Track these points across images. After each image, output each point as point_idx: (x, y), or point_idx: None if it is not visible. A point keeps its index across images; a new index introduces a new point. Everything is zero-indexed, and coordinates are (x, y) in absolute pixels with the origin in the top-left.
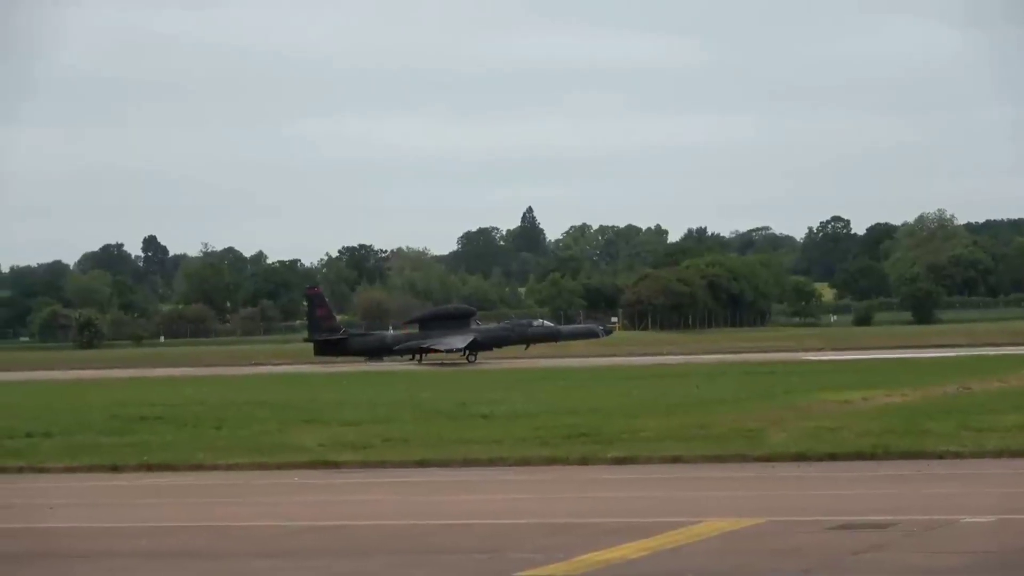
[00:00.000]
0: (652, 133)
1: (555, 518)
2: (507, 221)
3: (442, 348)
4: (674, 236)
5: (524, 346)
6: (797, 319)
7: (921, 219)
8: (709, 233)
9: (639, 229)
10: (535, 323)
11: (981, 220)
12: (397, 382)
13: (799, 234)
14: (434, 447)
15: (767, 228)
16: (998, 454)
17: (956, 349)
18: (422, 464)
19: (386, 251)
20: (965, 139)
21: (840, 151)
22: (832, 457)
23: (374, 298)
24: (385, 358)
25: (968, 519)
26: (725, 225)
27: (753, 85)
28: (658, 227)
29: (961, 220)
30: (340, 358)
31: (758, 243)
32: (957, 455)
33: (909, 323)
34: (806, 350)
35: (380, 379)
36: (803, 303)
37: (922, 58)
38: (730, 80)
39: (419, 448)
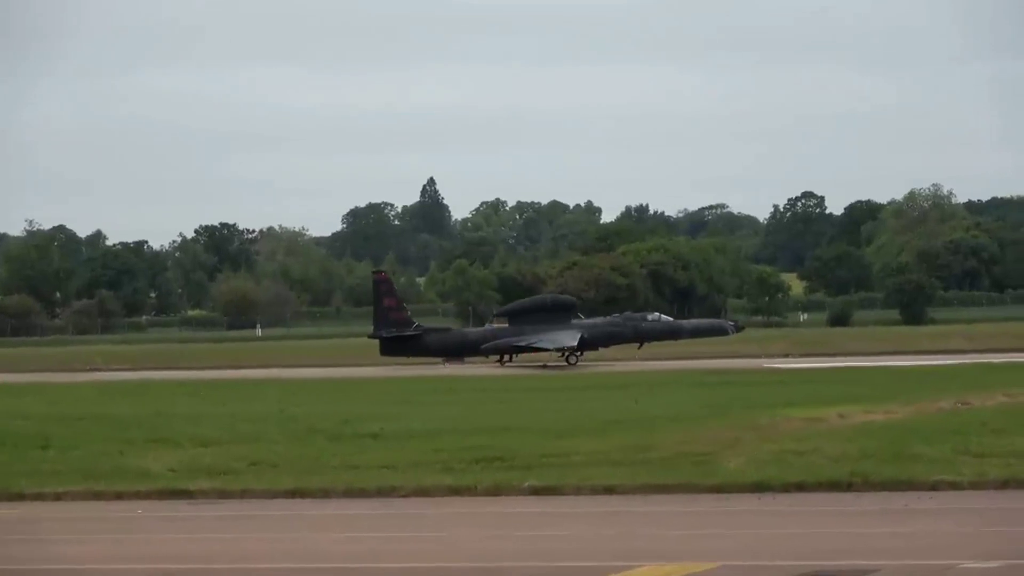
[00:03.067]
0: (581, 89)
1: (455, 562)
2: (403, 196)
3: (550, 347)
4: (608, 216)
5: (637, 345)
6: (759, 317)
7: (911, 196)
8: (651, 212)
9: (565, 207)
10: (650, 317)
11: (985, 198)
12: (267, 392)
13: (762, 214)
14: (310, 473)
15: (723, 206)
16: (1002, 484)
17: (953, 355)
18: (294, 494)
19: (254, 231)
20: (962, 101)
21: (811, 114)
22: (800, 488)
23: (238, 288)
24: (466, 359)
25: (967, 564)
26: (671, 203)
27: (705, 32)
28: (589, 205)
29: (960, 198)
30: (412, 359)
31: (712, 224)
32: (953, 485)
33: (896, 323)
34: (770, 356)
35: (246, 388)
36: (767, 298)
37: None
38: (677, 25)
39: (291, 475)
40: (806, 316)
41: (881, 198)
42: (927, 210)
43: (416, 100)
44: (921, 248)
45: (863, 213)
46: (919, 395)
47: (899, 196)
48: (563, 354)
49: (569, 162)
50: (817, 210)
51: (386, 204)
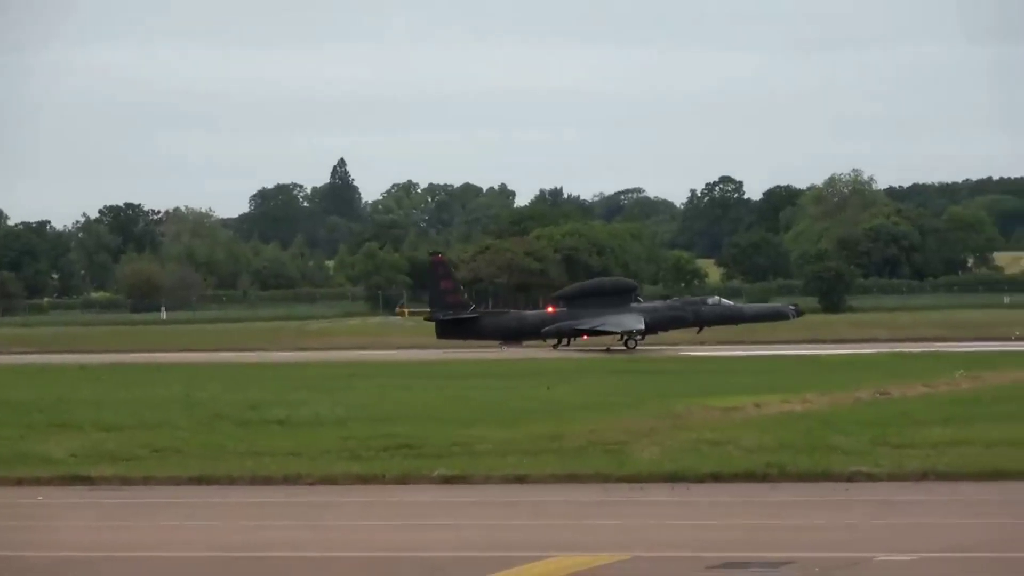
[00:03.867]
0: (496, 70)
1: (361, 552)
2: (313, 177)
3: (616, 330)
4: (522, 199)
5: (696, 329)
6: None
7: (831, 182)
8: (566, 196)
9: (479, 189)
10: (710, 301)
11: (906, 184)
12: (172, 377)
13: (679, 198)
14: (215, 460)
15: (639, 190)
16: (921, 476)
17: (873, 344)
18: (199, 481)
19: (159, 212)
20: (885, 84)
21: (729, 94)
22: (715, 478)
23: (142, 271)
24: (524, 342)
25: (883, 557)
26: (586, 186)
27: (623, 10)
28: (503, 187)
29: (881, 184)
30: (468, 341)
31: (627, 209)
32: (870, 477)
33: (814, 311)
34: (686, 344)
35: (151, 373)
36: (683, 284)
37: None
38: (599, 2)
39: (196, 461)
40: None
41: (801, 183)
42: (847, 196)
43: (328, 80)
44: (841, 235)
45: (782, 199)
46: (837, 385)
47: (819, 182)
48: (622, 338)
49: (483, 144)
50: (735, 195)
51: (295, 185)
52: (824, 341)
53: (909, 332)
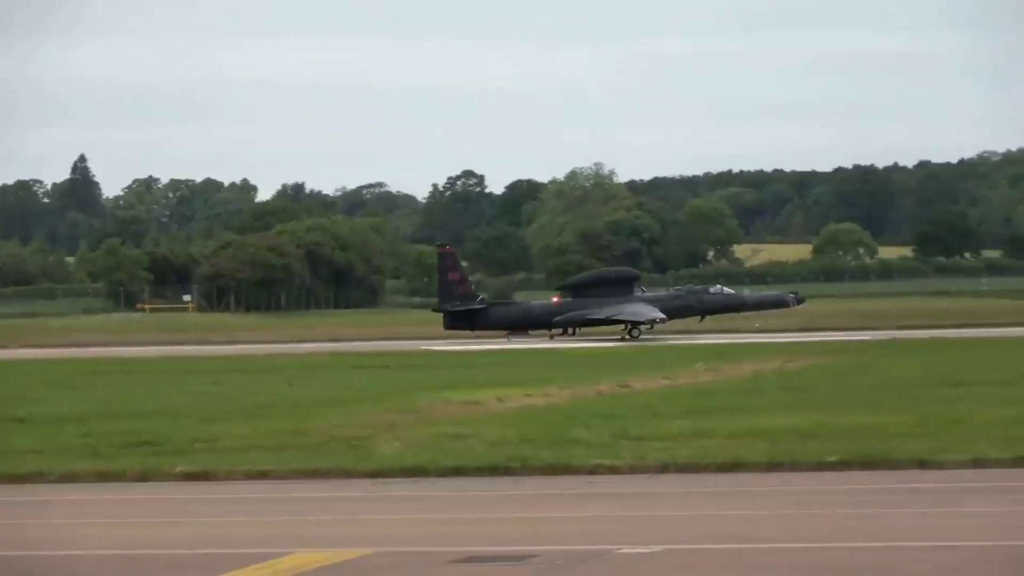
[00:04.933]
0: (233, 61)
1: (100, 550)
2: (53, 173)
3: (631, 319)
4: (264, 194)
5: (699, 318)
6: (418, 299)
7: (573, 175)
8: (308, 191)
9: (220, 185)
10: (712, 290)
11: (647, 177)
12: None
13: (421, 193)
14: None
15: (381, 185)
16: (662, 468)
17: (613, 339)
18: None
19: None
20: (622, 76)
21: (469, 89)
22: (457, 472)
23: None
24: (531, 332)
25: (626, 549)
26: (328, 181)
27: (370, 3)
28: (244, 182)
29: (622, 177)
30: (476, 332)
31: (370, 204)
32: (612, 469)
33: None
34: (428, 338)
35: None
36: (425, 279)
37: None
38: None
39: None
40: None
41: (543, 177)
42: (589, 190)
43: (67, 73)
44: (582, 228)
45: (524, 192)
46: (579, 378)
47: (561, 175)
48: (627, 327)
49: (224, 138)
50: (477, 189)
51: (35, 181)
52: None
53: None
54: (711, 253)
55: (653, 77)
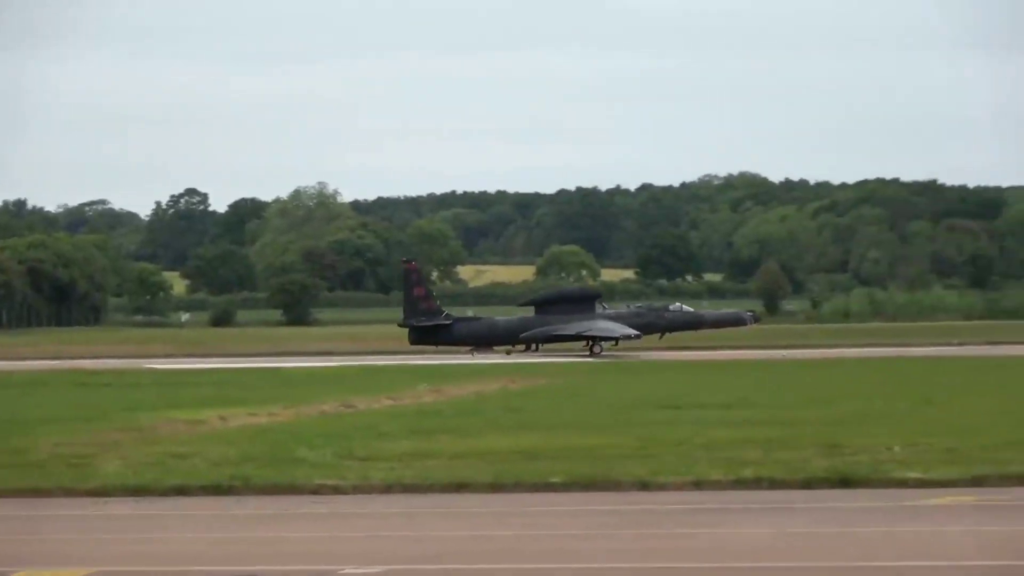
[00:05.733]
0: None
1: None
2: None
3: (603, 335)
4: None
5: (659, 335)
6: (140, 316)
7: (297, 195)
8: (30, 207)
9: None
10: (672, 307)
11: (371, 197)
12: None
13: (144, 210)
14: None
15: (104, 202)
16: (387, 488)
17: (339, 357)
18: None
19: None
20: (347, 94)
21: (186, 101)
22: (180, 491)
23: None
24: (495, 348)
25: (348, 570)
26: (50, 198)
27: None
28: None
29: (347, 197)
30: (441, 347)
31: (92, 221)
32: (336, 489)
33: (280, 324)
34: (151, 356)
35: None
36: (148, 297)
37: None
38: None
39: None
40: (188, 316)
41: (267, 196)
42: (312, 209)
43: None
44: (306, 248)
45: (248, 211)
46: (303, 397)
47: (285, 194)
48: (588, 344)
49: None
50: (200, 207)
51: None
52: (290, 353)
53: (374, 345)
54: (435, 274)
55: (378, 97)
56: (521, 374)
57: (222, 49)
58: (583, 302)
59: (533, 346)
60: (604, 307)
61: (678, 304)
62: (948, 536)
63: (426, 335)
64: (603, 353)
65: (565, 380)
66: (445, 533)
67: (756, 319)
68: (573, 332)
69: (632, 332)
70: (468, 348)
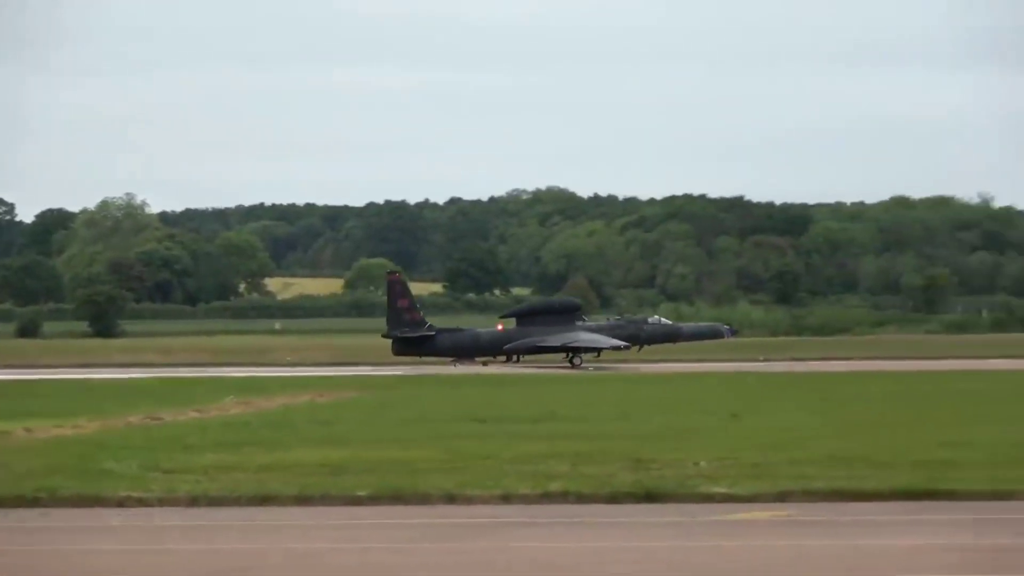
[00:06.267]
0: None
1: None
2: None
3: (589, 346)
4: None
5: (636, 348)
6: None
7: (104, 205)
8: None
9: None
10: (651, 320)
11: (179, 209)
12: None
13: None
14: None
15: None
16: (192, 501)
17: (145, 369)
18: None
19: None
20: (160, 107)
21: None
22: None
23: None
24: (477, 359)
25: None
26: None
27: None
28: None
29: (155, 208)
30: (424, 358)
31: None
32: (142, 502)
33: (86, 335)
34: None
35: None
36: None
37: None
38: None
39: None
40: None
41: (74, 207)
42: (120, 220)
43: None
44: (113, 259)
45: (55, 221)
46: (109, 410)
47: (92, 205)
48: (568, 356)
49: None
50: (7, 217)
51: None
52: (96, 365)
53: (181, 357)
54: (243, 285)
55: (186, 108)
56: (330, 387)
57: (29, 57)
58: (564, 314)
59: (515, 357)
60: (584, 319)
61: (656, 317)
62: (747, 551)
63: (409, 346)
64: (583, 365)
65: (375, 394)
66: (249, 546)
67: (734, 332)
68: (559, 343)
69: (621, 343)
70: (450, 359)
